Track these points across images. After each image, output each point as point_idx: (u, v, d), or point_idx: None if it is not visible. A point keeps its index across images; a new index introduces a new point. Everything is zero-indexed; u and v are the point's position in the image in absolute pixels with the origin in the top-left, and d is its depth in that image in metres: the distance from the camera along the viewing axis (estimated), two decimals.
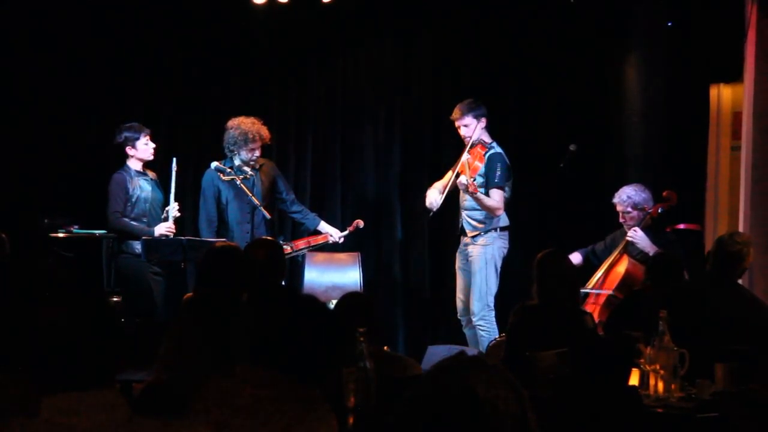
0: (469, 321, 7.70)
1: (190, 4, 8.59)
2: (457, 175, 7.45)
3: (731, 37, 7.41)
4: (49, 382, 2.21)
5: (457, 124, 7.61)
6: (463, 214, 7.67)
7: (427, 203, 7.70)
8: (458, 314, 7.80)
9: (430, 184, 8.05)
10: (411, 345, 8.60)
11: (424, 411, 1.91)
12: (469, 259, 7.65)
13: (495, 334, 7.46)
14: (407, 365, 4.41)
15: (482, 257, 7.60)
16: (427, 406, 1.91)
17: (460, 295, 7.78)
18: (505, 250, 7.68)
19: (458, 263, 7.79)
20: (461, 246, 7.76)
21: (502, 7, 8.56)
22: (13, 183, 8.23)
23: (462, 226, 7.71)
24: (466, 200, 7.62)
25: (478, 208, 7.58)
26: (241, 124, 7.48)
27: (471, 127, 7.55)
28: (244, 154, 7.48)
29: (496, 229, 7.62)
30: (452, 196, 7.76)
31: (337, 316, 4.00)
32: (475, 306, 7.57)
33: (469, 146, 7.55)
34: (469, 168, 7.51)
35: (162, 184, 7.67)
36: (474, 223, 7.63)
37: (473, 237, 7.63)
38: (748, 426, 4.27)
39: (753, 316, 5.27)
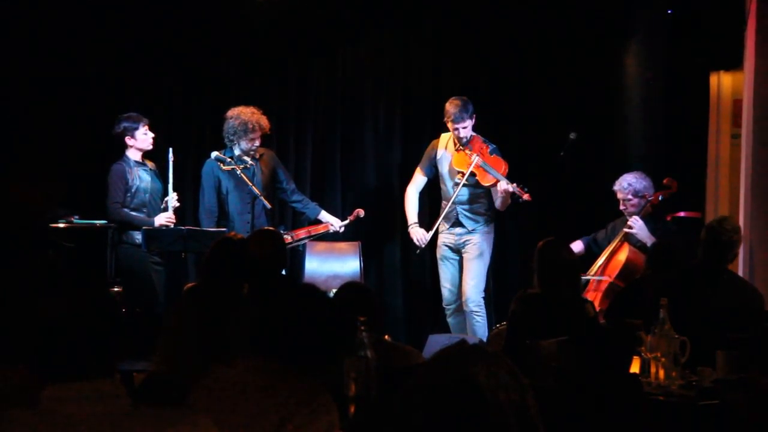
0: (455, 310, 7.80)
1: None
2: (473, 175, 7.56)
3: (731, 25, 7.40)
4: (50, 372, 2.21)
5: (455, 126, 7.58)
6: (458, 208, 7.72)
7: (416, 241, 7.82)
8: (444, 303, 7.91)
9: None
10: (412, 334, 8.61)
11: (425, 399, 1.91)
12: (466, 249, 7.74)
13: (487, 320, 7.57)
14: (408, 354, 4.41)
15: (481, 247, 7.73)
16: (428, 394, 1.91)
17: (447, 285, 7.86)
18: None
19: (443, 253, 7.87)
20: (452, 237, 7.80)
21: None
22: (14, 173, 8.22)
23: (457, 219, 7.74)
24: (459, 194, 7.66)
25: (479, 201, 7.66)
26: (241, 114, 7.46)
27: (469, 128, 7.60)
28: (244, 144, 7.47)
29: (491, 221, 7.76)
30: (433, 185, 7.89)
31: (336, 306, 3.99)
32: (473, 293, 7.65)
33: (465, 145, 7.59)
34: (495, 168, 7.52)
35: (161, 174, 7.66)
36: (472, 216, 7.70)
37: (473, 229, 7.68)
38: (749, 413, 4.27)
39: (746, 302, 5.28)
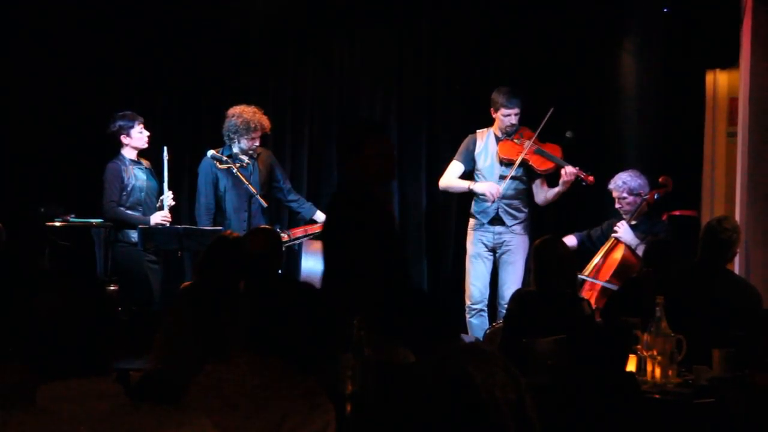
0: (480, 310, 7.62)
1: None
2: (523, 163, 7.49)
3: (727, 23, 7.40)
4: (46, 371, 2.21)
5: (509, 111, 7.50)
6: (501, 203, 7.54)
7: (488, 195, 7.47)
8: (471, 302, 7.64)
9: (427, 172, 8.04)
10: None
11: (422, 397, 1.91)
12: (504, 249, 7.58)
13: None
14: (403, 353, 4.41)
15: (522, 246, 7.57)
16: (426, 392, 1.91)
17: (477, 284, 7.62)
18: None
19: (477, 251, 7.63)
20: (489, 235, 7.61)
21: None
22: (10, 172, 8.22)
23: (497, 215, 7.58)
24: (504, 188, 7.52)
25: (520, 197, 7.58)
26: (243, 113, 7.45)
27: (519, 116, 7.55)
28: (244, 143, 7.46)
29: (529, 220, 7.67)
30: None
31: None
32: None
33: (514, 134, 7.54)
34: (551, 152, 7.49)
35: (156, 172, 7.65)
36: (514, 212, 7.58)
37: (513, 226, 7.59)
38: (745, 411, 4.28)
39: (743, 301, 5.29)
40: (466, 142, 7.71)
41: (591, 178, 7.40)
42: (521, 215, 7.60)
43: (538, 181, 7.63)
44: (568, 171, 7.39)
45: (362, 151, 4.96)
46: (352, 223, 4.91)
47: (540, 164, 7.51)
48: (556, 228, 7.32)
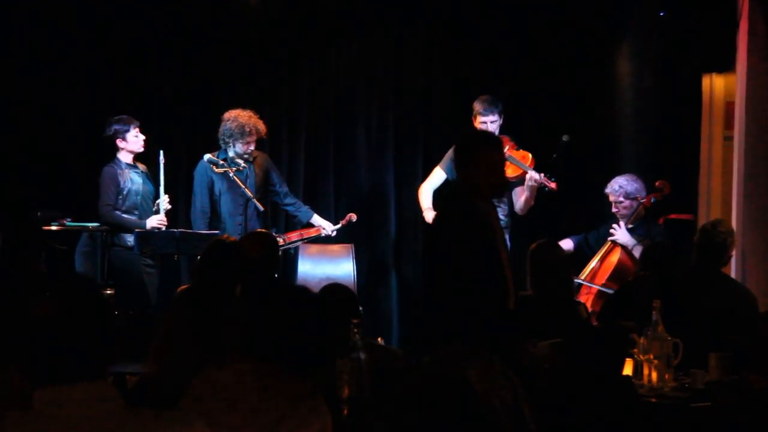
0: None
1: None
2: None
3: (723, 27, 7.41)
4: (42, 375, 2.21)
5: (483, 119, 7.51)
6: None
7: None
8: None
9: (424, 176, 8.03)
10: (405, 336, 8.60)
11: (419, 401, 1.91)
12: None
13: None
14: (399, 358, 4.41)
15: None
16: (423, 395, 1.91)
17: None
18: None
19: None
20: None
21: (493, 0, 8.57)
22: (6, 176, 8.21)
23: None
24: None
25: (498, 205, 7.58)
26: (239, 117, 7.45)
27: (497, 124, 7.54)
28: (239, 147, 7.46)
29: (508, 228, 7.63)
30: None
31: (325, 308, 4.00)
32: None
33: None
34: (521, 160, 7.49)
35: (152, 176, 7.65)
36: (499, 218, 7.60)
37: None
38: (741, 415, 4.28)
39: (739, 305, 5.30)
40: (451, 149, 7.72)
41: (553, 184, 7.38)
42: (504, 221, 7.60)
43: (517, 189, 7.61)
44: (531, 176, 7.38)
45: (471, 162, 4.97)
46: (449, 234, 4.93)
47: (506, 169, 7.52)
48: (549, 234, 7.32)
